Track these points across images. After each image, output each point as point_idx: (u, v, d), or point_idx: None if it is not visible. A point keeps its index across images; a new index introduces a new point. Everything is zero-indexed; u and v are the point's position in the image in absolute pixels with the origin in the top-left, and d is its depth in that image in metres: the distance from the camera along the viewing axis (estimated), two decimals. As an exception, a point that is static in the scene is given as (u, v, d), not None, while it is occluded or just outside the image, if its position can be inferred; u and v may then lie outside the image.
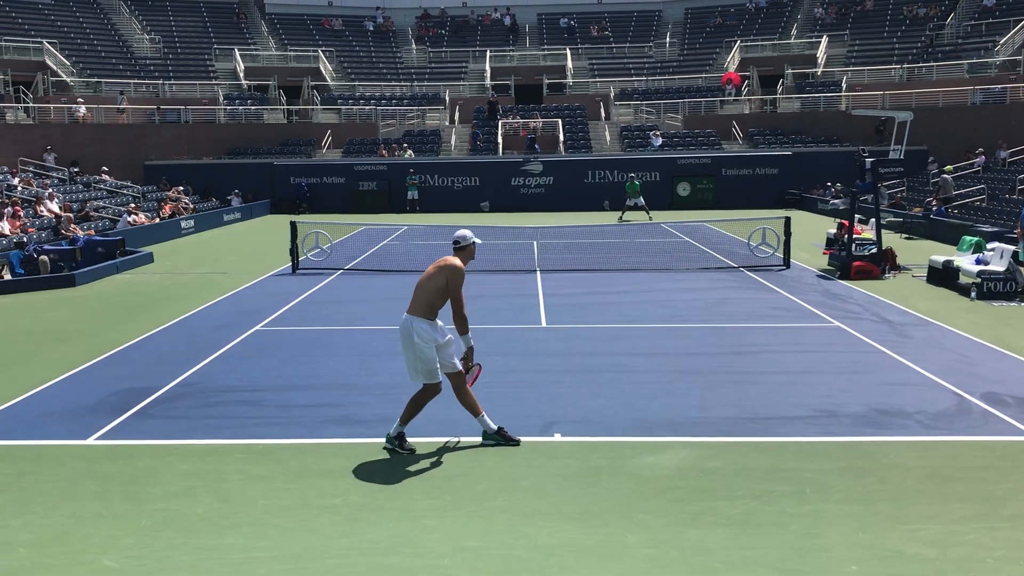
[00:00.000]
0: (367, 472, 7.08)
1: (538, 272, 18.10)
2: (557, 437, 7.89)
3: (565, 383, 9.68)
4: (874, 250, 17.44)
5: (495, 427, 7.65)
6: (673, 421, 8.32)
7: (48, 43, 40.06)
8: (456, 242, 7.57)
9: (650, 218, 29.40)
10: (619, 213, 31.11)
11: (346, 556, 5.63)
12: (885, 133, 33.97)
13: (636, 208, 30.09)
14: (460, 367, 7.41)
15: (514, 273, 18.05)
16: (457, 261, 7.42)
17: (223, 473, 7.09)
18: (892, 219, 26.00)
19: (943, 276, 16.12)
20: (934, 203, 26.47)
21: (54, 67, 39.73)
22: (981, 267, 15.00)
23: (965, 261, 15.69)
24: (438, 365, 7.33)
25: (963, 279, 15.59)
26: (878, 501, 6.41)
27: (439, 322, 7.39)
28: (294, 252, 18.94)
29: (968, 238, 17.17)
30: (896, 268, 17.56)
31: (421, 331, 7.23)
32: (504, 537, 5.88)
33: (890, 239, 21.11)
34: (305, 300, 15.32)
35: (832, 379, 9.80)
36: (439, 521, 6.14)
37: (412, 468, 7.15)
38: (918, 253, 20.07)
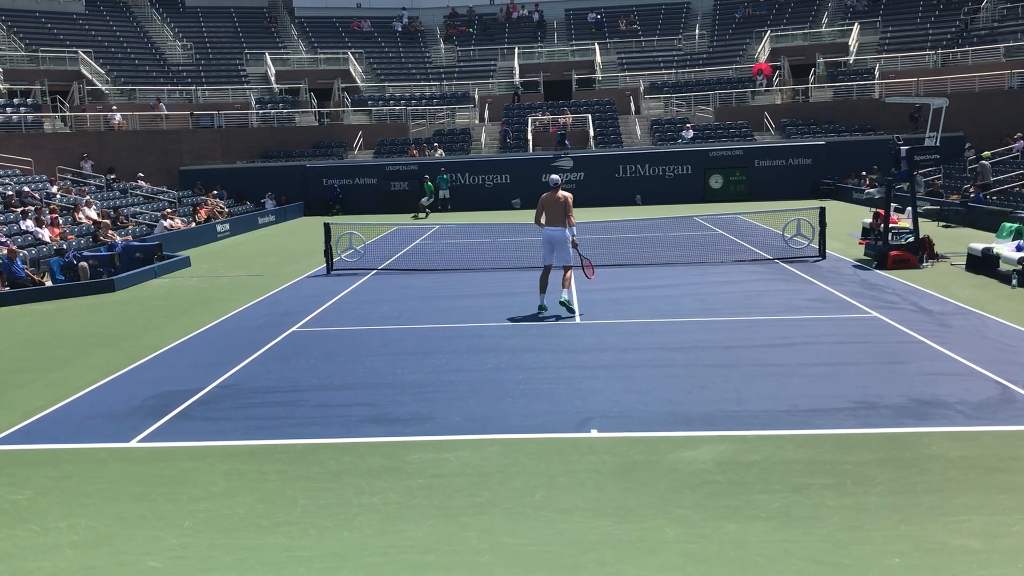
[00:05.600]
0: (404, 470, 7.12)
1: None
2: (593, 433, 7.87)
3: (600, 378, 9.65)
4: (911, 239, 17.21)
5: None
6: (710, 415, 8.27)
7: (83, 52, 40.70)
8: (556, 184, 13.10)
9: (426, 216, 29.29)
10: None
11: (385, 554, 5.67)
12: (920, 120, 33.47)
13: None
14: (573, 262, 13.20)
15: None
16: (567, 193, 13.07)
17: (263, 473, 7.16)
18: (929, 207, 25.63)
19: (982, 264, 15.86)
20: (972, 190, 26.03)
21: (89, 76, 40.37)
22: (1022, 254, 14.75)
23: (1005, 248, 15.42)
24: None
25: (1003, 266, 15.33)
26: (920, 493, 6.33)
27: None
28: (328, 253, 19.09)
29: (1008, 225, 16.88)
30: (934, 257, 17.29)
31: (568, 233, 12.91)
32: (541, 533, 5.89)
33: (927, 227, 20.83)
34: (340, 301, 15.44)
35: (871, 370, 9.69)
36: (476, 518, 6.16)
37: (449, 466, 7.18)
38: (956, 241, 19.76)
